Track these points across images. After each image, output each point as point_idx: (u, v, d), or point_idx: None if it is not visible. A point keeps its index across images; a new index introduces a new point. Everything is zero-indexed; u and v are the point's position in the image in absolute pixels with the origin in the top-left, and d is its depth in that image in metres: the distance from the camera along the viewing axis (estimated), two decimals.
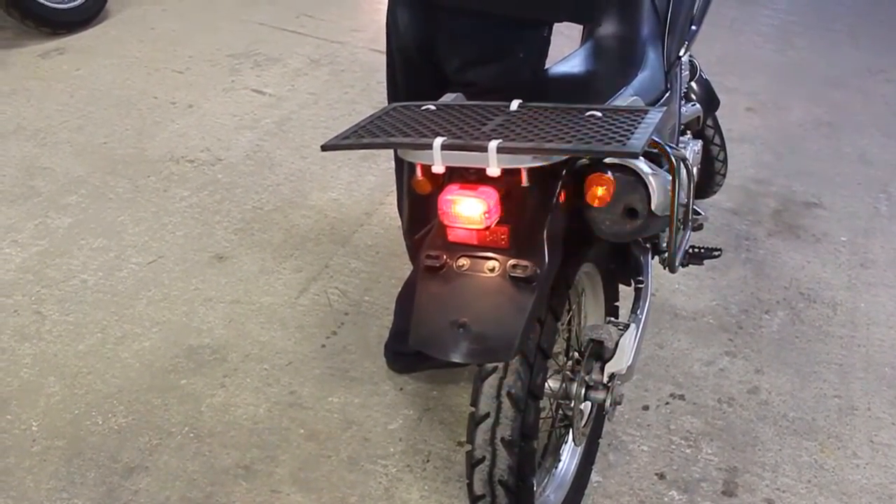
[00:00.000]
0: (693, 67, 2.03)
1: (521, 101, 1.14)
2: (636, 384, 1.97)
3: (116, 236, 2.42)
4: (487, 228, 1.03)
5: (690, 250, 1.85)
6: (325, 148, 1.06)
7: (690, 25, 1.86)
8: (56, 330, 2.05)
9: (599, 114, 1.05)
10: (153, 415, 1.82)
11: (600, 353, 1.41)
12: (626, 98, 1.26)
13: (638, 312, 1.53)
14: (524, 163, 0.99)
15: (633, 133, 0.96)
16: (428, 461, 1.74)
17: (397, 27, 1.59)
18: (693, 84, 2.05)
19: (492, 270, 1.04)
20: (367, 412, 1.86)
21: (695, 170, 1.91)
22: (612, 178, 1.12)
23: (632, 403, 1.92)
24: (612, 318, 1.55)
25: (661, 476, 1.73)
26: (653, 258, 1.72)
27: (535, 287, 1.03)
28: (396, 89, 1.71)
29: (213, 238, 2.44)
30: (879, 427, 1.90)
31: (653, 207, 1.16)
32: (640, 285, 1.59)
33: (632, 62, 1.57)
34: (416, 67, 1.61)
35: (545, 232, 1.06)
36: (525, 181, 1.02)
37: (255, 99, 3.34)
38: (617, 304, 1.64)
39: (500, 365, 1.19)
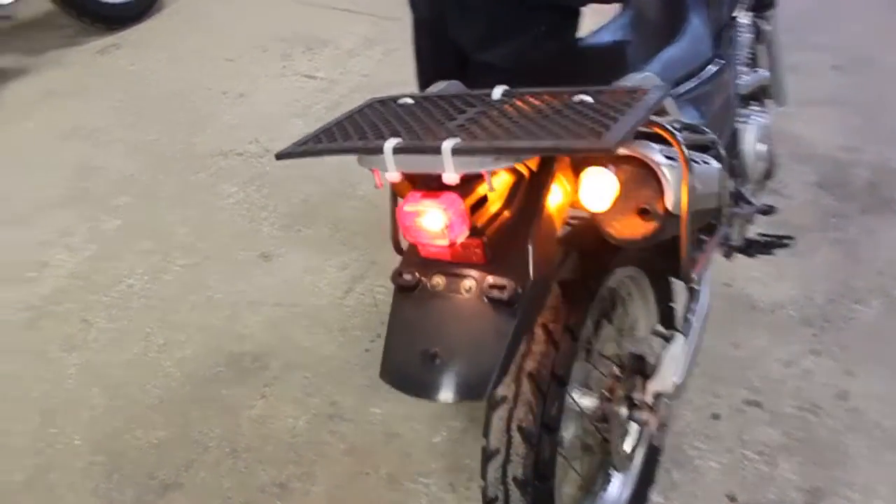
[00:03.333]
0: (757, 28, 1.79)
1: (505, 87, 0.97)
2: (704, 389, 1.79)
3: (163, 238, 2.39)
4: (453, 244, 0.88)
5: (759, 238, 1.64)
6: (279, 156, 0.94)
7: None
8: (102, 339, 2.04)
9: (590, 98, 0.88)
10: (191, 428, 1.77)
11: (642, 369, 1.25)
12: (639, 75, 1.05)
13: (690, 318, 1.35)
14: (485, 166, 0.82)
15: (617, 121, 0.79)
16: (472, 479, 1.62)
17: None
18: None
19: (468, 291, 0.89)
20: (409, 424, 1.76)
21: (761, 146, 1.68)
22: (612, 172, 0.93)
23: (700, 411, 1.74)
24: (659, 328, 1.37)
25: (732, 498, 1.56)
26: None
27: (516, 310, 0.87)
28: (421, 67, 1.58)
29: (258, 236, 2.38)
30: None
31: (668, 206, 0.97)
32: (695, 285, 1.40)
33: (669, 29, 1.37)
34: (435, 43, 1.47)
35: (531, 242, 0.89)
36: (491, 186, 0.86)
37: (306, 84, 3.26)
38: (672, 304, 1.46)
39: (510, 394, 1.05)
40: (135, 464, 1.70)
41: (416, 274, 0.92)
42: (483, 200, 0.91)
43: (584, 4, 1.41)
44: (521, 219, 0.90)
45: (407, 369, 0.91)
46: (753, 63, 1.80)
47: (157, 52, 3.53)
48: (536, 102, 0.91)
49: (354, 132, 0.93)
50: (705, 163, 1.18)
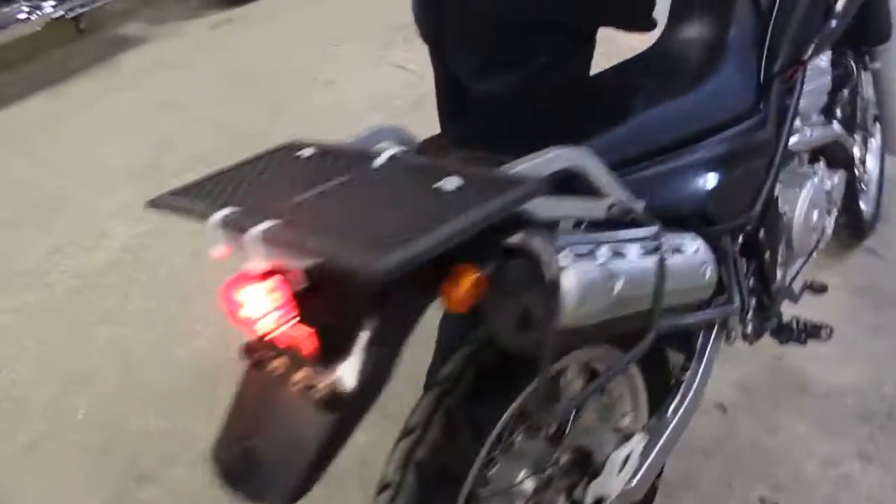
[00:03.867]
0: (845, 71, 1.52)
1: (397, 150, 0.84)
2: (717, 477, 1.58)
3: None
4: (267, 333, 0.79)
5: (793, 324, 1.42)
6: (149, 204, 0.88)
7: (826, 19, 1.36)
8: (135, 317, 2.12)
9: (457, 183, 0.74)
10: (183, 422, 1.79)
11: (585, 465, 1.10)
12: (554, 152, 0.85)
13: (667, 415, 1.17)
14: (292, 259, 0.74)
15: (426, 233, 0.66)
16: None
17: (413, 13, 1.34)
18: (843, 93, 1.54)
19: (296, 384, 0.79)
20: None
21: (814, 213, 1.43)
22: (478, 272, 0.77)
23: (703, 502, 1.54)
24: (619, 423, 1.20)
25: None
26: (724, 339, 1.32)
27: (336, 418, 0.76)
28: (437, 94, 1.47)
29: None
30: None
31: (557, 315, 0.80)
32: (682, 375, 1.22)
33: (693, 75, 1.17)
34: (437, 68, 1.36)
35: (371, 338, 0.77)
36: (296, 284, 0.76)
37: (397, 76, 3.21)
38: (671, 382, 1.28)
39: (394, 481, 0.95)
40: (124, 449, 1.75)
41: (261, 351, 0.84)
42: (316, 288, 0.81)
43: (594, 28, 1.24)
44: (358, 312, 0.78)
45: (227, 456, 0.84)
46: (829, 115, 1.53)
47: (264, 31, 3.62)
48: (404, 179, 0.79)
49: (221, 190, 0.86)
50: (677, 251, 1.01)
